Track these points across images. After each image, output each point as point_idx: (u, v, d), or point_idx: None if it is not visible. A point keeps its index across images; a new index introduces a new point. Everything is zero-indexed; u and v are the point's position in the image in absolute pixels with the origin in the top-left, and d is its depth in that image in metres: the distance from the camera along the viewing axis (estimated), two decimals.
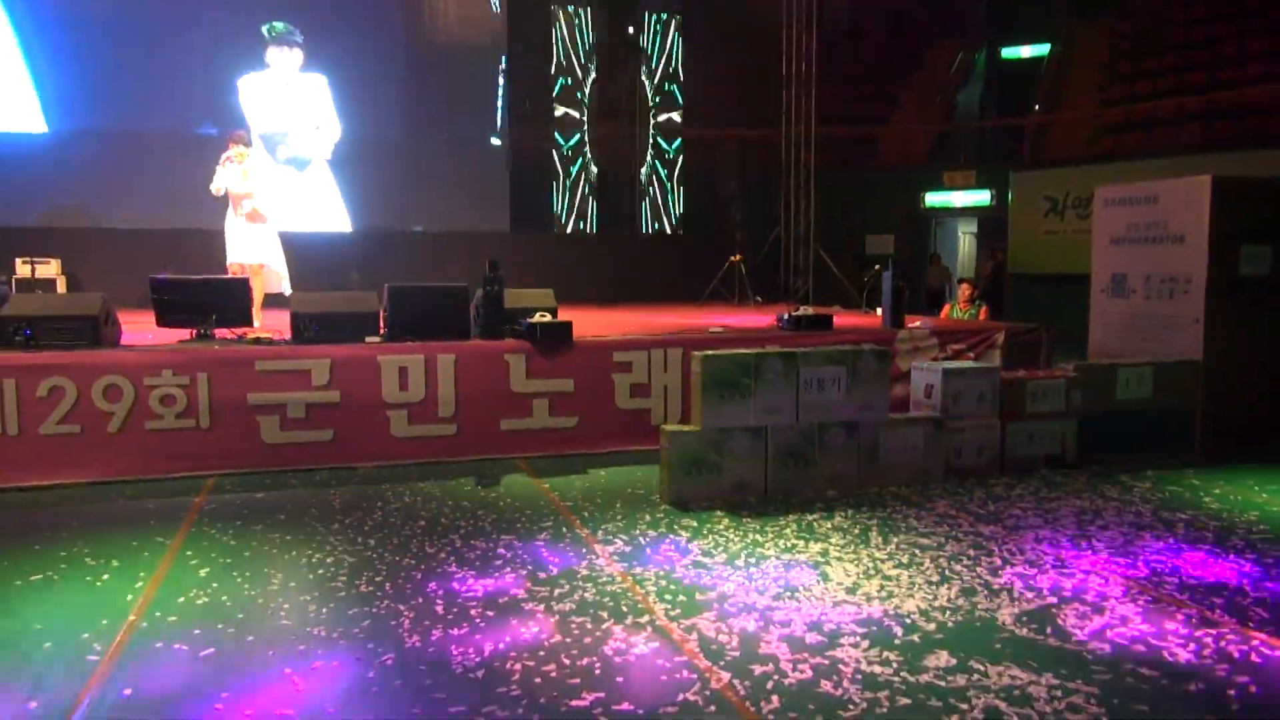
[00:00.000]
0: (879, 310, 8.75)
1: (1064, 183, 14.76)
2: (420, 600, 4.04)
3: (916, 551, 4.68)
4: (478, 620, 3.82)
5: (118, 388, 6.00)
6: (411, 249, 12.76)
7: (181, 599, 4.06)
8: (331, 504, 5.57)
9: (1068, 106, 16.79)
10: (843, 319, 8.90)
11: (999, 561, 4.53)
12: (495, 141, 13.51)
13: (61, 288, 11.00)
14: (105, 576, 4.35)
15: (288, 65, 12.32)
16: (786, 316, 7.94)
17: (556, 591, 4.14)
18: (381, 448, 6.50)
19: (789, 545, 4.79)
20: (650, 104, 14.46)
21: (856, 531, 5.03)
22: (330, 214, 12.57)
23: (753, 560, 4.55)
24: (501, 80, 13.47)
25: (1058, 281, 13.34)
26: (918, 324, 8.09)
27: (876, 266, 10.36)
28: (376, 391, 6.47)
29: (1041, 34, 18.09)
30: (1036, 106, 17.39)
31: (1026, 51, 18.52)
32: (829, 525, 5.15)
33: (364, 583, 4.25)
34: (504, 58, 13.47)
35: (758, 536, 4.94)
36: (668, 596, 4.07)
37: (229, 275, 8.32)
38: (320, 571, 4.42)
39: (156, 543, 4.83)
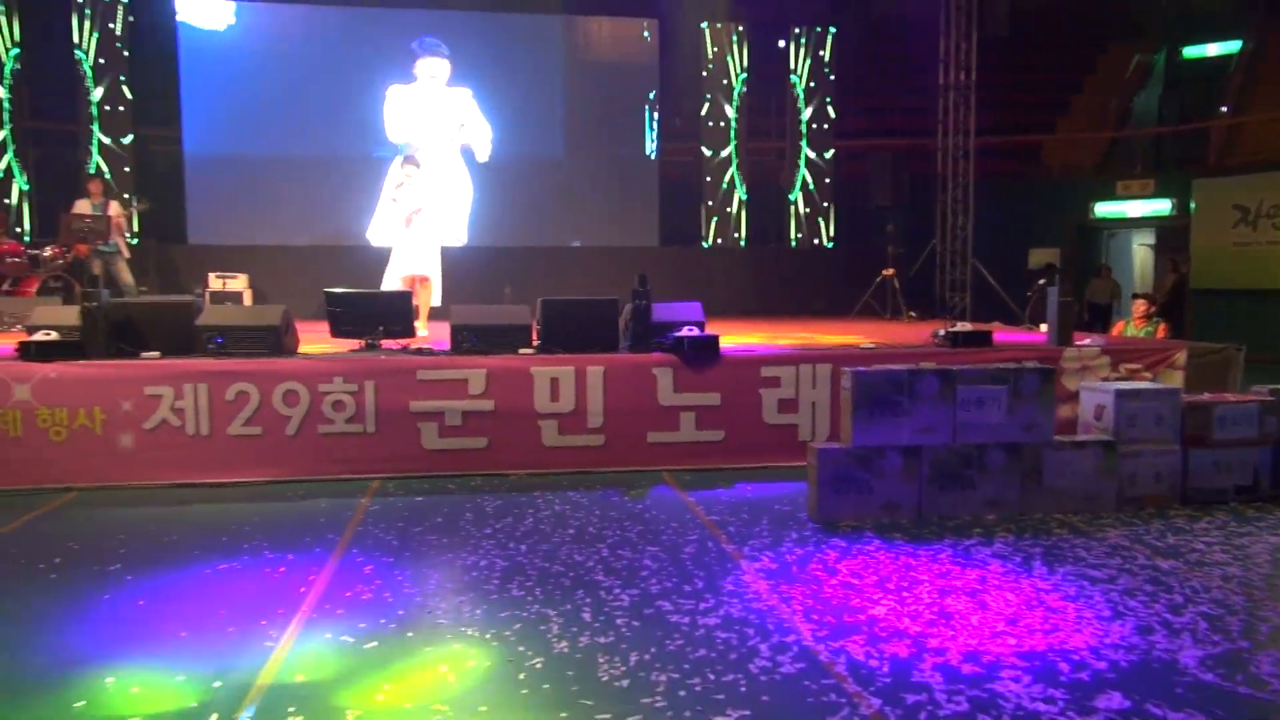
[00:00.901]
0: (1043, 326, 8.29)
1: (1257, 190, 13.59)
2: (569, 607, 4.11)
3: (1086, 584, 4.39)
4: (623, 629, 3.86)
5: (295, 393, 6.43)
6: (564, 263, 13.10)
7: (348, 594, 4.30)
8: (485, 509, 5.77)
9: (1261, 107, 15.47)
10: (1003, 335, 8.49)
11: (1180, 599, 4.19)
12: (649, 157, 13.71)
13: (247, 300, 11.92)
14: (282, 569, 4.65)
15: (434, 77, 12.93)
16: (943, 332, 7.66)
17: (702, 605, 4.12)
18: (533, 456, 6.68)
19: (944, 570, 4.59)
20: (800, 117, 14.31)
21: (1018, 559, 4.77)
22: (476, 228, 13.06)
23: (905, 584, 4.39)
24: (652, 96, 13.67)
25: (1249, 297, 12.27)
26: (1087, 341, 7.62)
27: (1041, 280, 9.84)
28: (529, 401, 6.66)
29: (1229, 31, 16.77)
30: (1224, 108, 16.11)
31: (1213, 49, 17.20)
32: (988, 551, 4.91)
33: (515, 587, 4.37)
34: (656, 74, 13.66)
35: (910, 559, 4.77)
36: (815, 616, 3.98)
37: (396, 289, 8.78)
38: (474, 574, 4.58)
39: (327, 540, 5.13)
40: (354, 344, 7.19)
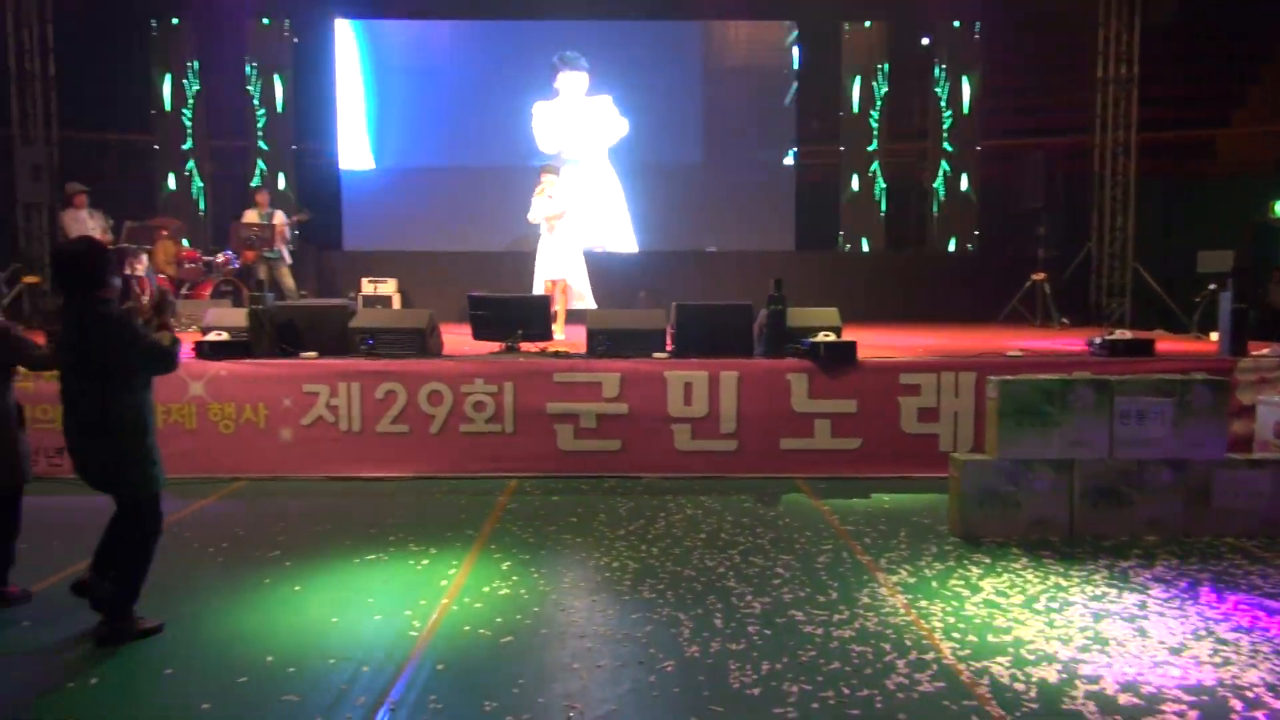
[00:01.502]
0: (1214, 335, 7.69)
1: None
2: (700, 611, 4.10)
3: (1261, 614, 4.03)
4: (755, 637, 3.81)
5: (439, 393, 6.69)
6: (698, 268, 13.10)
7: (486, 588, 4.43)
8: (618, 511, 5.83)
9: None
10: (1168, 344, 7.93)
11: None
12: (786, 161, 13.56)
13: (396, 304, 12.49)
14: (424, 562, 4.85)
15: (575, 89, 13.19)
16: (1099, 340, 7.22)
17: (835, 617, 4.03)
18: (665, 460, 6.71)
19: (1098, 593, 4.32)
20: (945, 116, 13.82)
21: (1183, 585, 4.43)
22: (619, 234, 13.23)
23: (1054, 605, 4.16)
24: (790, 99, 13.51)
25: None
26: (1265, 351, 7.02)
27: (1212, 285, 9.14)
28: (662, 405, 6.69)
29: None
30: None
31: None
32: (1148, 575, 4.59)
33: (646, 589, 4.40)
34: (794, 76, 13.50)
35: (1061, 580, 4.51)
36: (955, 635, 3.83)
37: (536, 294, 9.00)
38: (606, 575, 4.63)
39: (467, 535, 5.31)
40: (495, 346, 7.41)
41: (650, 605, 4.19)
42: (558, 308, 8.92)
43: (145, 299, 4.10)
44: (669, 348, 7.07)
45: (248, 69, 13.48)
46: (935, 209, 13.97)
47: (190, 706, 3.26)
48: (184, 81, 13.53)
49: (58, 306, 3.95)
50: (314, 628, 3.96)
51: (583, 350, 7.12)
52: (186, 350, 6.71)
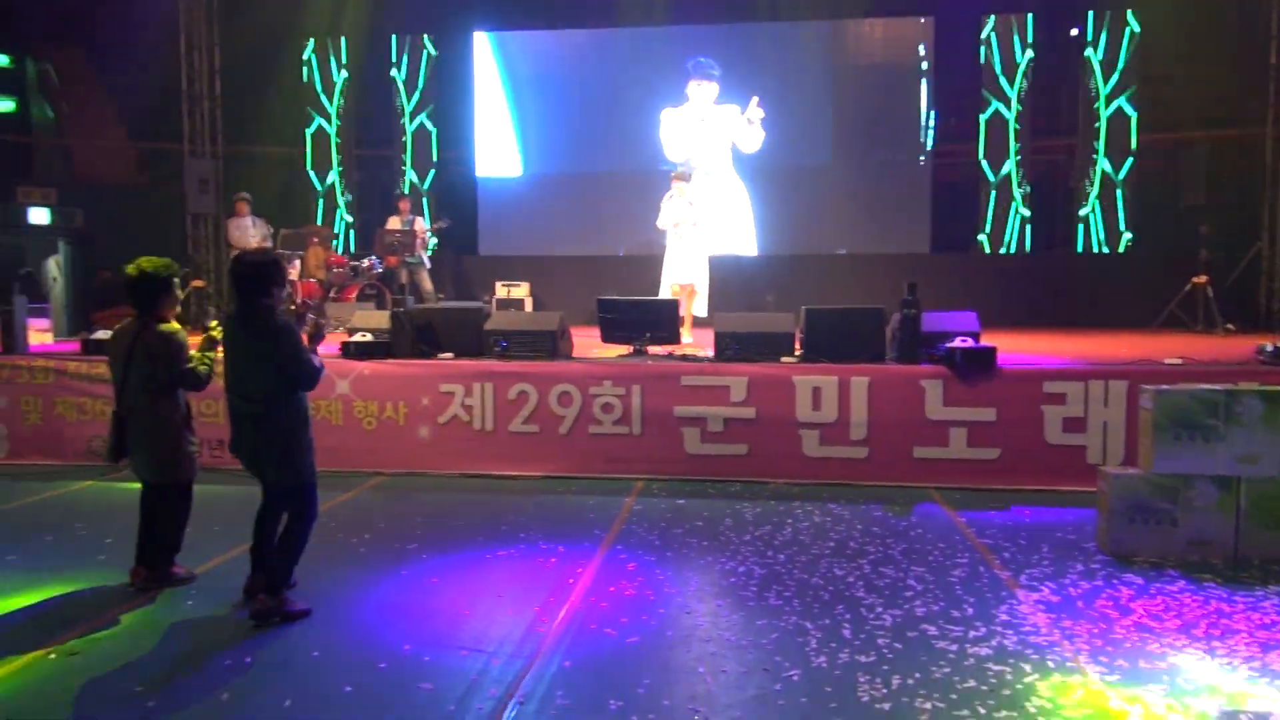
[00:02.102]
0: None
1: None
2: (828, 621, 4.02)
3: None
4: (885, 650, 3.71)
5: (569, 395, 6.81)
6: (828, 271, 12.86)
7: (612, 588, 4.48)
8: (744, 516, 5.78)
9: None
10: None
11: None
12: (920, 160, 13.15)
13: (528, 307, 12.81)
14: (553, 560, 4.94)
15: (704, 98, 13.18)
16: (1270, 348, 6.67)
17: (971, 634, 3.87)
18: (793, 465, 6.62)
19: (1268, 620, 3.99)
20: (1095, 110, 13.08)
21: None
22: (742, 238, 13.13)
23: (1216, 632, 3.86)
24: (926, 97, 13.09)
25: None
26: None
27: None
28: (790, 410, 6.60)
29: None
30: None
31: None
32: None
33: (773, 596, 4.34)
34: (930, 73, 13.07)
35: (1224, 605, 4.19)
36: (1103, 659, 3.60)
37: (664, 297, 9.05)
38: (732, 580, 4.60)
39: (594, 535, 5.38)
40: (623, 349, 7.49)
41: (776, 612, 4.13)
42: (684, 312, 8.94)
43: (305, 330, 4.39)
44: (798, 352, 6.97)
45: (392, 82, 14.12)
46: (1084, 208, 13.24)
47: (334, 688, 3.43)
48: (333, 97, 14.30)
49: (232, 311, 4.25)
50: (448, 619, 4.10)
51: (710, 354, 7.10)
52: (333, 349, 7.08)
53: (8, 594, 4.44)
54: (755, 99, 12.81)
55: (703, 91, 13.11)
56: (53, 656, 3.71)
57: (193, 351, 4.46)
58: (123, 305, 4.62)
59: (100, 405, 7.07)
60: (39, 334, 7.98)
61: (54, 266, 15.49)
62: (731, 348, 6.97)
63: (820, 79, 13.17)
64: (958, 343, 6.54)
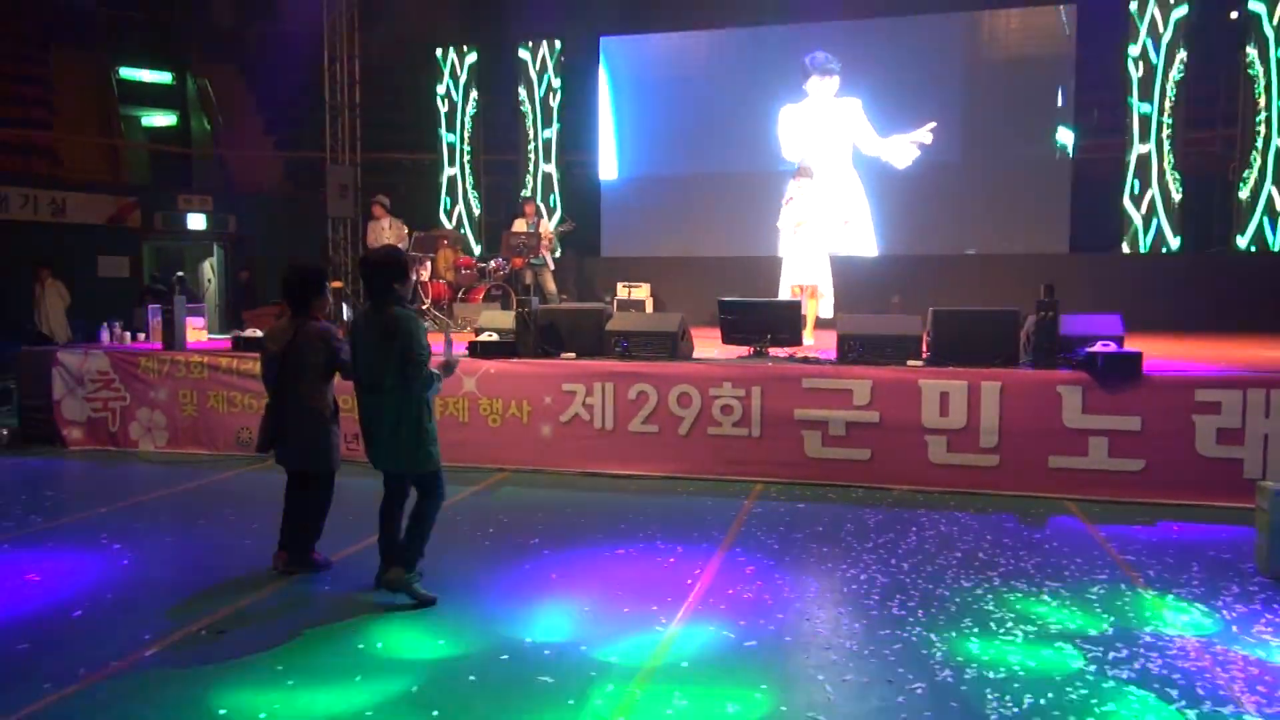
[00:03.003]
0: None
1: None
2: (954, 634, 3.87)
3: None
4: (1016, 666, 3.54)
5: (688, 396, 6.81)
6: (956, 272, 12.41)
7: (730, 591, 4.45)
8: (866, 522, 5.64)
9: None
10: None
11: None
12: (1059, 155, 12.53)
13: (649, 308, 12.89)
14: (671, 560, 4.95)
15: (824, 93, 12.93)
16: None
17: (1111, 654, 3.66)
18: (918, 472, 6.41)
19: None
20: (1258, 97, 12.14)
21: None
22: (860, 238, 12.81)
23: None
24: (1063, 90, 12.46)
25: None
26: None
27: None
28: (916, 415, 6.40)
29: None
30: None
31: None
32: None
33: (896, 605, 4.22)
34: (1071, 63, 12.44)
35: None
36: (1261, 689, 3.34)
37: (785, 299, 8.94)
38: (854, 587, 4.50)
39: (712, 536, 5.36)
40: (743, 350, 7.44)
41: (900, 623, 4.01)
42: (806, 313, 8.79)
43: (440, 359, 4.60)
44: (925, 355, 6.75)
45: (520, 88, 14.49)
46: (1247, 203, 12.31)
47: (459, 676, 3.54)
48: (464, 103, 14.77)
49: (363, 309, 4.45)
50: (568, 614, 4.16)
51: (833, 356, 6.97)
52: (460, 348, 7.29)
53: (165, 573, 4.78)
54: (933, 124, 12.44)
55: (823, 86, 12.88)
56: (203, 633, 3.96)
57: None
58: (270, 304, 4.89)
59: (249, 399, 7.52)
60: (195, 332, 8.55)
61: (209, 269, 16.59)
62: (855, 350, 6.82)
63: (949, 73, 12.73)
64: (1099, 347, 6.20)
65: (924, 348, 6.81)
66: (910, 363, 6.64)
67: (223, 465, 7.34)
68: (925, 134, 12.53)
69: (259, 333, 7.94)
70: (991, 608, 4.18)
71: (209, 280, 16.73)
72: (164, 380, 7.86)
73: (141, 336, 8.63)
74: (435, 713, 3.24)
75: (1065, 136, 12.45)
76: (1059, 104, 12.44)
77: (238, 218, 15.99)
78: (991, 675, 3.47)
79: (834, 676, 3.50)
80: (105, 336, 8.52)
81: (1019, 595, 4.34)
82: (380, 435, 4.31)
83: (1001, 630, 3.91)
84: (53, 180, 14.03)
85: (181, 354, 7.90)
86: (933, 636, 3.85)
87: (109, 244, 14.29)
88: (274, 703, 3.32)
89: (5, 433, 8.16)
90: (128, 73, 17.40)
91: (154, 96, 17.88)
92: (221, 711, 3.24)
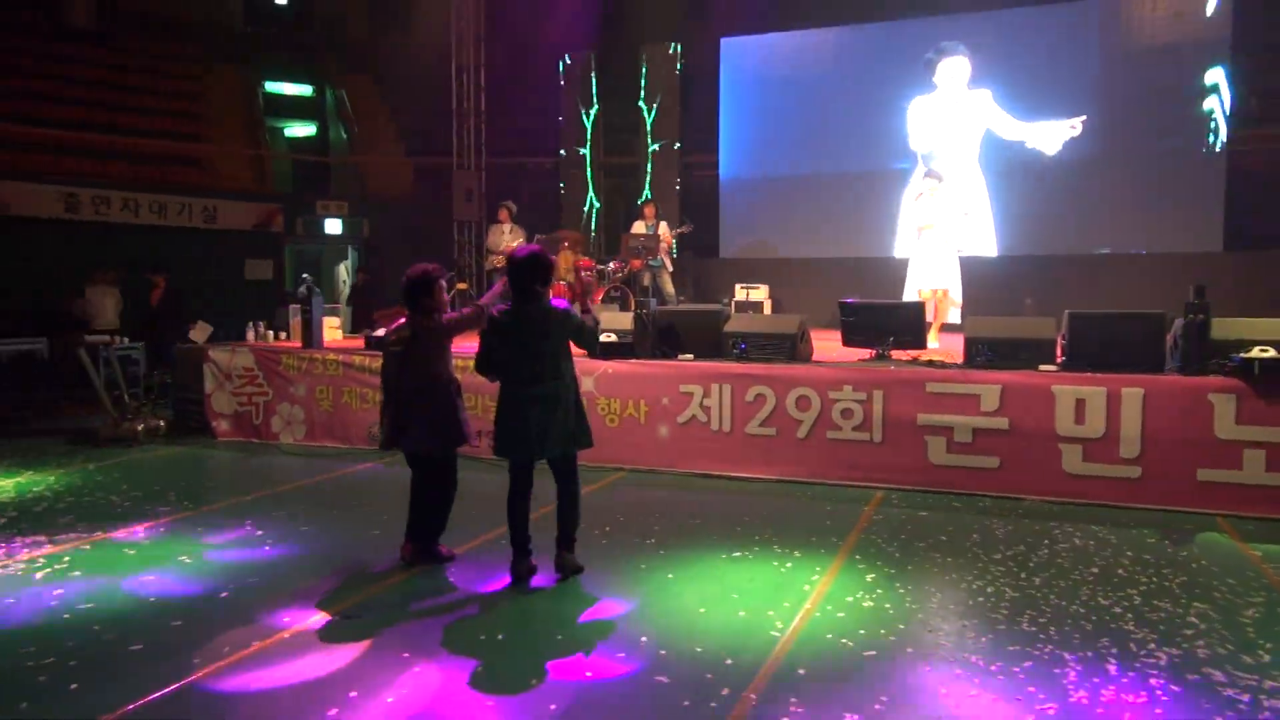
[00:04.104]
0: None
1: None
2: (1090, 654, 3.68)
3: None
4: (1159, 692, 3.33)
5: (807, 399, 6.70)
6: (1091, 272, 11.75)
7: (850, 598, 4.35)
8: (994, 533, 5.42)
9: None
10: None
11: None
12: (1209, 148, 11.73)
13: (767, 310, 12.75)
14: (789, 565, 4.88)
15: (955, 80, 12.46)
16: None
17: (1268, 683, 3.39)
18: (1050, 482, 6.12)
19: None
20: None
21: None
22: (981, 236, 12.29)
23: None
24: (1213, 78, 11.64)
25: None
26: None
27: None
28: (1049, 423, 6.11)
29: None
30: None
31: None
32: None
33: (1026, 621, 4.04)
34: (1226, 49, 11.61)
35: None
36: None
37: (909, 301, 8.70)
38: (980, 600, 4.33)
39: (831, 542, 5.26)
40: (864, 354, 7.27)
41: (1030, 639, 3.84)
42: (931, 316, 8.53)
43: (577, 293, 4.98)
44: (1059, 359, 6.44)
45: (640, 91, 14.60)
46: None
47: (576, 671, 3.58)
48: (585, 108, 15.00)
49: (506, 309, 4.64)
50: (683, 616, 4.16)
51: (959, 360, 6.73)
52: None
53: (301, 559, 5.03)
54: (1083, 118, 11.91)
55: (952, 71, 12.42)
56: (337, 618, 4.15)
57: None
58: (399, 305, 5.12)
59: (379, 396, 7.83)
60: (331, 331, 8.98)
61: (343, 271, 17.40)
62: (984, 354, 6.57)
63: (1084, 64, 12.08)
64: (1256, 352, 5.76)
65: (1058, 352, 6.50)
66: (1043, 367, 6.34)
67: (354, 458, 7.67)
68: (1075, 124, 11.95)
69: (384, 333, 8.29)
70: (1131, 628, 3.94)
71: (344, 282, 17.55)
72: (302, 377, 8.29)
73: (283, 335, 9.13)
74: (553, 706, 3.30)
75: (1217, 128, 11.63)
76: (1209, 92, 11.64)
77: (370, 222, 16.71)
78: (1131, 700, 3.28)
79: (958, 692, 3.38)
80: (250, 335, 9.06)
81: (1163, 616, 4.08)
82: (541, 425, 4.52)
83: (1143, 652, 3.68)
84: (205, 189, 15.01)
85: (318, 352, 8.31)
86: (1066, 655, 3.66)
87: (254, 248, 15.17)
88: (401, 687, 3.44)
89: (163, 424, 8.77)
90: (272, 87, 18.45)
91: (296, 108, 18.91)
92: (353, 694, 3.39)
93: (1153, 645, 3.75)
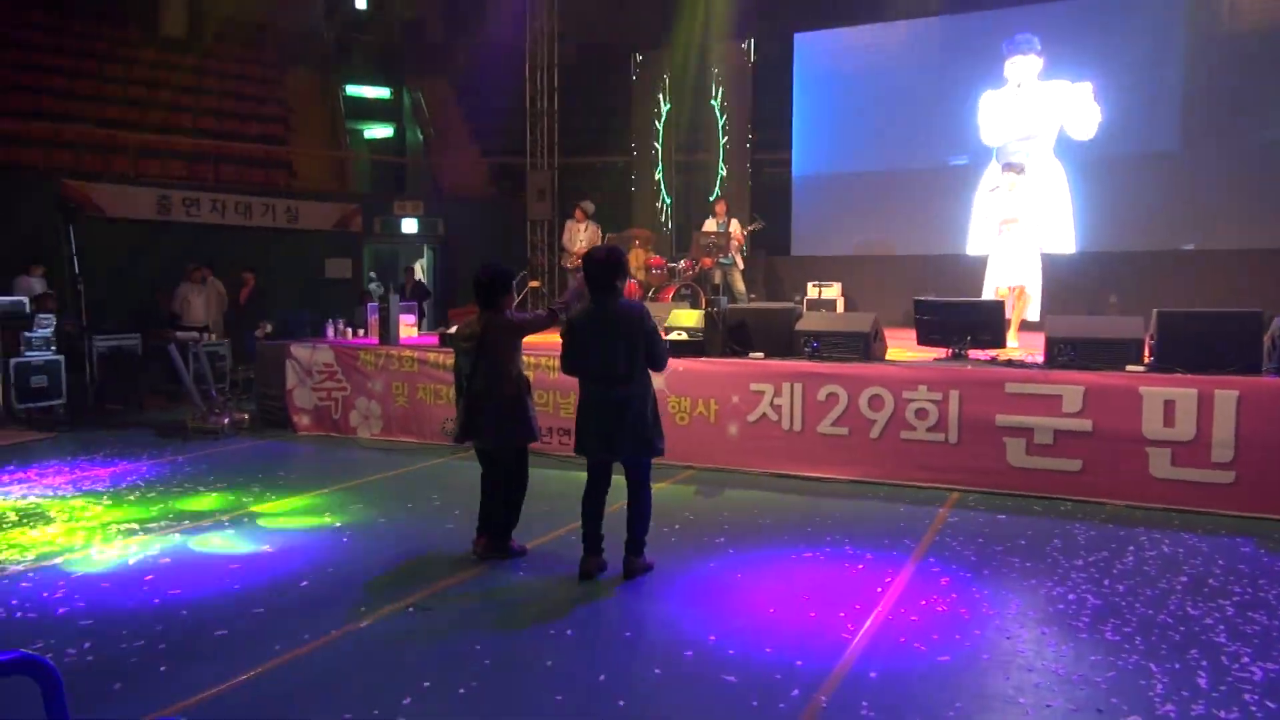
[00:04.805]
0: None
1: None
2: (1178, 666, 3.53)
3: None
4: (1254, 709, 3.18)
5: (880, 398, 6.59)
6: (1180, 269, 11.28)
7: (923, 602, 4.26)
8: (1076, 538, 5.25)
9: None
10: None
11: None
12: None
13: (840, 308, 12.57)
14: (860, 566, 4.80)
15: (1026, 74, 12.07)
16: None
17: None
18: (1136, 487, 5.90)
19: None
20: None
21: None
22: (1060, 233, 11.85)
23: None
24: None
25: None
26: None
27: None
28: (1135, 425, 5.89)
29: None
30: None
31: None
32: None
33: (1110, 630, 3.90)
34: None
35: None
36: None
37: (987, 299, 8.48)
38: (1061, 606, 4.20)
39: (904, 544, 5.16)
40: (940, 353, 7.12)
41: (1114, 648, 3.70)
42: (1011, 315, 8.30)
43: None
44: (1147, 360, 6.20)
45: (712, 88, 14.54)
46: None
47: (644, 669, 3.59)
48: (657, 106, 15.00)
49: (583, 306, 4.70)
50: (752, 615, 4.13)
51: (1039, 360, 6.54)
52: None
53: (377, 551, 5.15)
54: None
55: (1023, 68, 12.05)
56: (410, 610, 4.24)
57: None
58: (473, 303, 5.19)
59: (453, 392, 7.95)
60: (407, 328, 9.17)
61: (419, 269, 17.75)
62: (1066, 354, 6.36)
63: (1166, 55, 11.54)
64: None
65: (1146, 352, 6.26)
66: (1129, 368, 6.12)
67: (429, 453, 7.82)
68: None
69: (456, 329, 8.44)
70: (1224, 640, 3.77)
71: (419, 280, 17.90)
72: (379, 373, 8.48)
73: (361, 332, 9.36)
74: (621, 703, 3.31)
75: None
76: None
77: (445, 221, 17.02)
78: (1223, 715, 3.14)
79: (1037, 701, 3.28)
80: (330, 332, 9.31)
81: (1258, 630, 3.89)
82: (613, 426, 4.54)
83: (1236, 667, 3.52)
84: (288, 190, 15.48)
85: (395, 349, 8.50)
86: (1152, 667, 3.53)
87: (334, 247, 15.59)
88: (471, 678, 3.49)
89: (246, 417, 9.08)
90: (352, 90, 18.94)
91: (374, 111, 19.38)
92: (426, 684, 3.45)
93: (1246, 659, 3.58)
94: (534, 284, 13.72)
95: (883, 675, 3.50)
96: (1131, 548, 5.05)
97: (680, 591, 4.46)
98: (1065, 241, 11.93)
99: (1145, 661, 3.57)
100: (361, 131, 19.34)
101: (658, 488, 6.47)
